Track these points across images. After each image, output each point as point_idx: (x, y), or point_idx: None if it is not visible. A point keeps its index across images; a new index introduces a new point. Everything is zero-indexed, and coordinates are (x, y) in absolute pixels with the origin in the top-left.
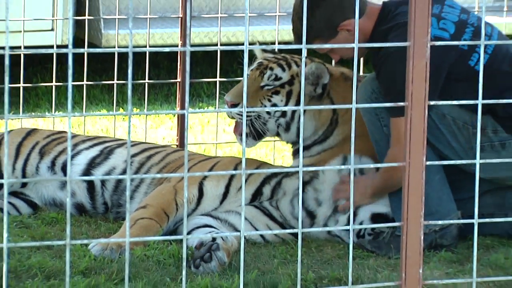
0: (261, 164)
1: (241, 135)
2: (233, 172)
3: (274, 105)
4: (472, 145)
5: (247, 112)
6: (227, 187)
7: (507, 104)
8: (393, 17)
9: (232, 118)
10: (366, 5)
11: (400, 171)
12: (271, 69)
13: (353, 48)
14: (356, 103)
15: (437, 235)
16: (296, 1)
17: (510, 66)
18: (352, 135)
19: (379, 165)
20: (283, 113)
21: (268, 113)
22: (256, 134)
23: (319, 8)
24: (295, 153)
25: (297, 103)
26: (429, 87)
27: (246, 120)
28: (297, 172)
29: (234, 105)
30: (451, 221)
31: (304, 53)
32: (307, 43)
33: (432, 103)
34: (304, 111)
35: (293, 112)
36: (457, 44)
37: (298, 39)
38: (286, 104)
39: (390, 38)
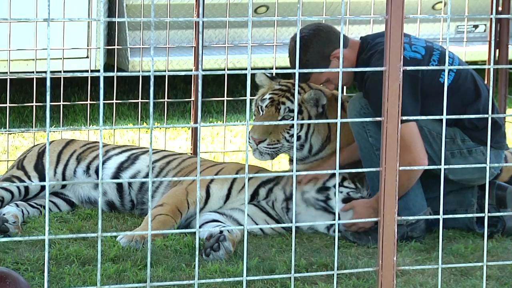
0: (258, 170)
1: (261, 156)
2: (236, 176)
3: (292, 135)
4: (444, 152)
5: (275, 144)
6: (229, 190)
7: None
8: (372, 47)
9: (260, 153)
10: (348, 38)
11: (408, 174)
12: (283, 103)
13: (346, 75)
14: (348, 117)
15: (408, 228)
16: (291, 45)
17: (472, 83)
18: (338, 145)
19: (361, 170)
20: (298, 137)
21: (287, 141)
22: (276, 156)
23: (312, 45)
24: (292, 161)
25: (308, 126)
26: (411, 102)
27: (272, 151)
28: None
29: (261, 141)
30: (420, 217)
31: (297, 77)
32: (305, 76)
33: (404, 118)
34: (313, 131)
35: (306, 135)
36: (425, 66)
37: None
38: (301, 131)
39: (372, 63)
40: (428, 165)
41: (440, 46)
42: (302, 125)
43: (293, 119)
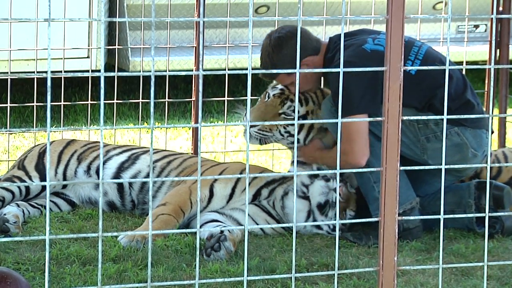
0: (263, 170)
1: (250, 138)
2: (239, 176)
3: (288, 132)
4: (418, 138)
5: (264, 130)
6: (233, 189)
7: (442, 99)
8: (338, 45)
9: (250, 135)
10: (320, 43)
11: (348, 164)
12: (292, 101)
13: (309, 83)
14: (322, 117)
15: (402, 220)
16: (265, 42)
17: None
18: (338, 146)
19: (360, 170)
20: (297, 140)
21: (281, 135)
22: (264, 143)
23: (286, 47)
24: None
25: (308, 133)
26: (366, 98)
27: (261, 137)
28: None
29: (252, 126)
30: (421, 217)
31: (298, 76)
32: (273, 76)
33: (405, 118)
34: (313, 137)
35: (305, 140)
36: (422, 68)
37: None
38: (299, 133)
39: (336, 59)
40: (405, 152)
41: (408, 36)
42: (301, 127)
43: (293, 119)
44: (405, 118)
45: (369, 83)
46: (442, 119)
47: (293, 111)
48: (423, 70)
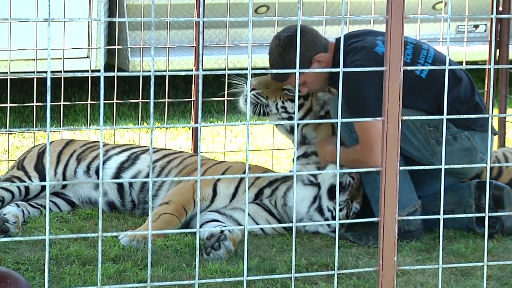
0: (265, 171)
1: (244, 104)
2: (240, 176)
3: (284, 107)
4: (429, 141)
5: (262, 98)
6: (236, 188)
7: (452, 102)
8: (346, 47)
9: (245, 100)
10: (328, 42)
11: (366, 166)
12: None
13: (319, 83)
14: (331, 116)
15: (404, 222)
16: (274, 44)
17: (450, 70)
18: (338, 145)
19: (361, 170)
20: (289, 117)
21: (276, 109)
22: (258, 114)
23: (297, 45)
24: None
25: (305, 115)
26: (378, 102)
27: (257, 102)
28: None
29: (253, 89)
30: (420, 217)
31: (297, 76)
32: (285, 76)
33: (404, 118)
34: (307, 123)
35: (303, 119)
36: (418, 68)
37: (275, 74)
38: (294, 113)
39: (348, 62)
40: (414, 154)
41: (415, 39)
42: (300, 107)
43: (293, 98)
44: (405, 118)
45: (382, 85)
46: (454, 123)
47: (290, 91)
48: (434, 73)
